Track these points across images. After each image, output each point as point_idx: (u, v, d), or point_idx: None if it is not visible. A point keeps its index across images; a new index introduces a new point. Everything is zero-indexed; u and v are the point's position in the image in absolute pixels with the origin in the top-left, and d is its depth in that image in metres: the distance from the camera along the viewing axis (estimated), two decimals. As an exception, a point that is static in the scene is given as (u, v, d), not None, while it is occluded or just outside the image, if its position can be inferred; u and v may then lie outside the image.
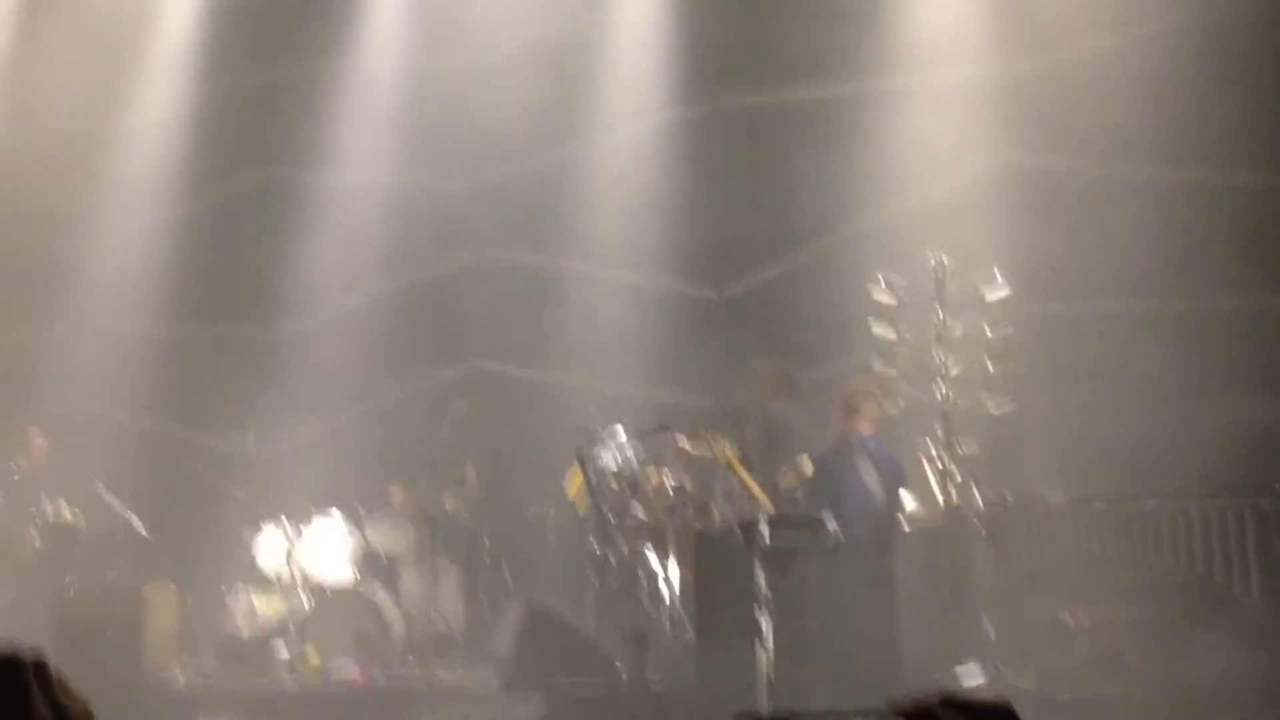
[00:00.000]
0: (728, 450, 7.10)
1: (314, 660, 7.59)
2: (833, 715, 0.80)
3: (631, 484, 7.49)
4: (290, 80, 10.14)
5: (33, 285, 10.03)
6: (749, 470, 7.22)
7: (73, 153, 10.13)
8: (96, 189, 10.27)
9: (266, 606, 8.23)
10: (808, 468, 6.76)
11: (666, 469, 7.62)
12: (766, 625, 5.39)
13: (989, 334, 7.07)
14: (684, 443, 7.28)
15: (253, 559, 8.39)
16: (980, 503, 6.65)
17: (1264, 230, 8.05)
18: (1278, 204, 8.10)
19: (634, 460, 7.65)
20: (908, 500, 6.85)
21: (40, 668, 0.96)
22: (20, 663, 0.94)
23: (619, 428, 7.90)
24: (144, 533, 8.70)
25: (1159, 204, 8.16)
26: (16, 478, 8.72)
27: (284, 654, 7.70)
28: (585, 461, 7.54)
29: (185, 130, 10.27)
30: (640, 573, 7.48)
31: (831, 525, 5.67)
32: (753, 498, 6.93)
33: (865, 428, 6.44)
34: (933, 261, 7.21)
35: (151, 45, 10.32)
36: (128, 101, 10.33)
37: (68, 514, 8.54)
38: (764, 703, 5.33)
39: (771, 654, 5.40)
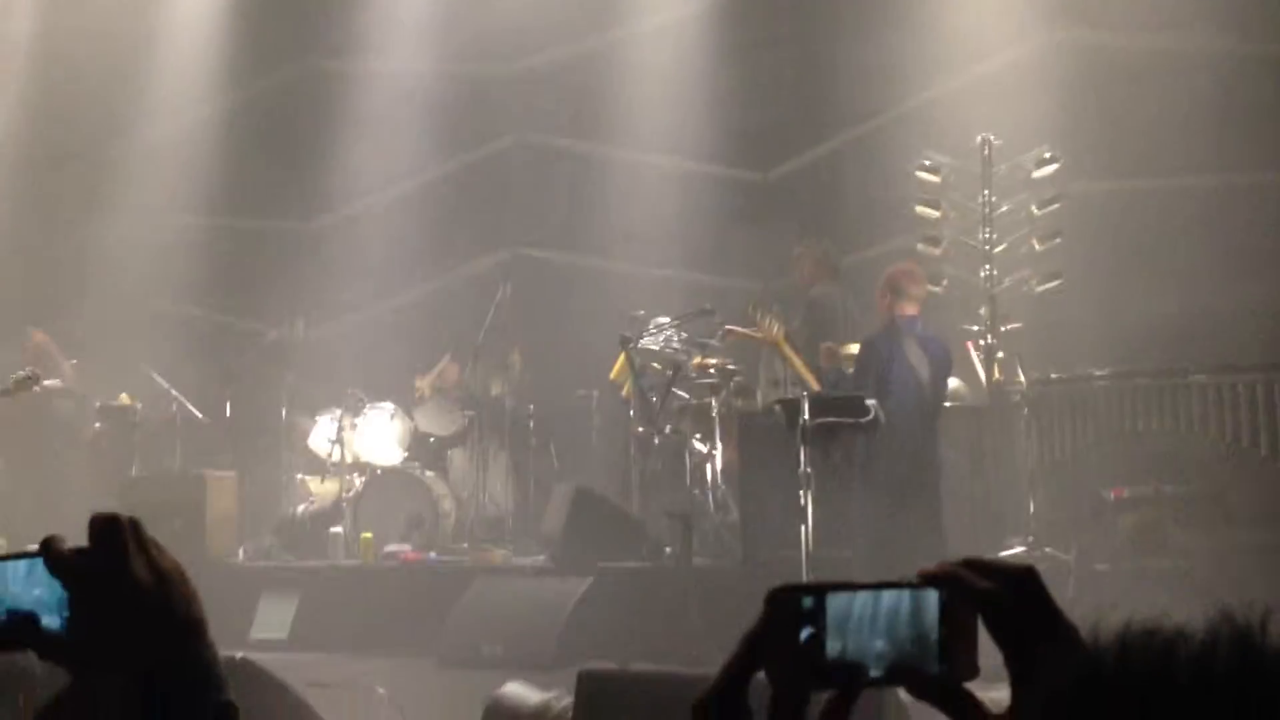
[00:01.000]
0: (776, 329, 7.11)
1: (367, 540, 7.82)
2: (860, 585, 0.83)
3: (675, 366, 7.57)
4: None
5: (87, 183, 10.14)
6: (795, 352, 7.26)
7: (118, 51, 10.15)
8: (143, 86, 10.31)
9: (321, 489, 8.46)
10: (853, 349, 6.78)
11: (709, 352, 7.69)
12: (809, 504, 5.46)
13: (1036, 212, 6.99)
14: (733, 327, 7.31)
15: (306, 443, 8.59)
16: (1024, 381, 6.65)
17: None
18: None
19: (677, 343, 7.72)
20: (952, 380, 6.86)
21: (136, 527, 1.03)
22: (119, 523, 1.01)
23: (663, 312, 7.96)
24: (201, 418, 8.93)
25: (1213, 78, 7.95)
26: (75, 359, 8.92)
27: (339, 534, 7.93)
28: (629, 344, 7.61)
29: (227, 25, 10.24)
30: (684, 454, 7.60)
31: (871, 403, 5.70)
32: (800, 378, 6.98)
33: (910, 310, 6.42)
34: (979, 140, 7.11)
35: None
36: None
37: (126, 399, 8.77)
38: (810, 578, 5.44)
39: (812, 532, 5.49)
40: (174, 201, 10.11)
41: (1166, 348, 6.92)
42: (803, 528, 5.51)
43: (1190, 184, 7.97)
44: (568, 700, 3.47)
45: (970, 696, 0.80)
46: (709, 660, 4.49)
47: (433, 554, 7.88)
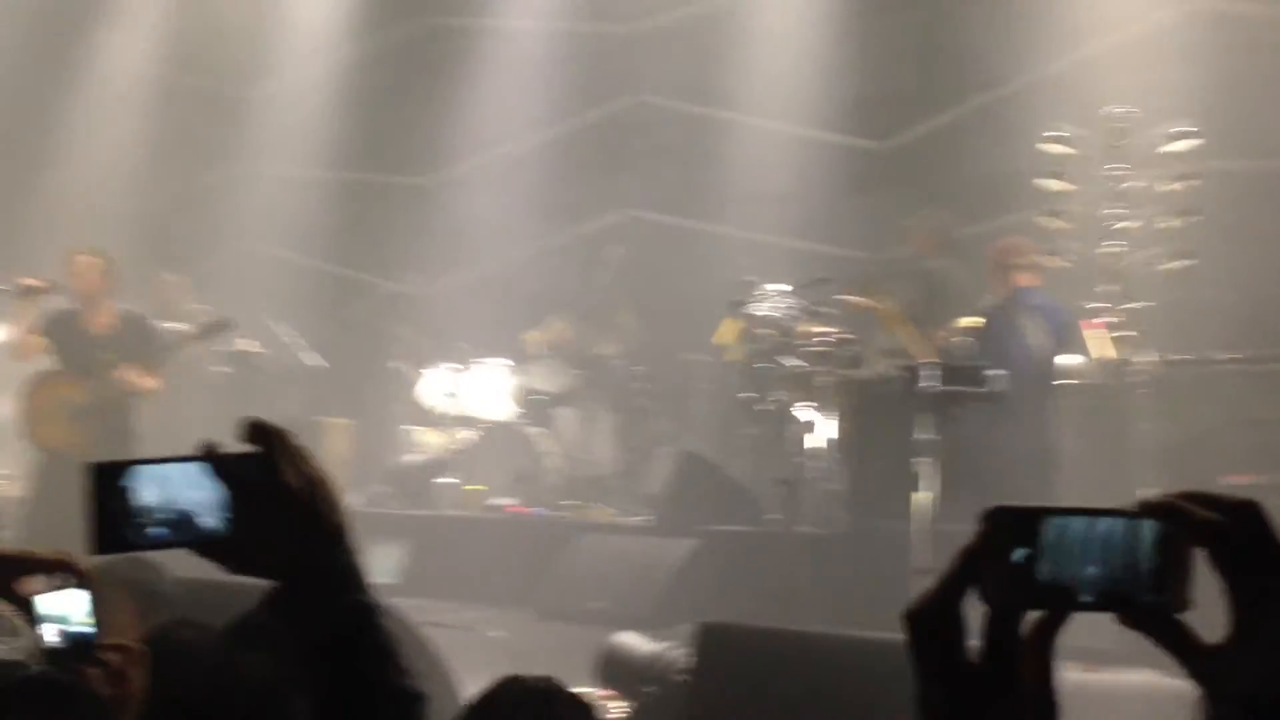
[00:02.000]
0: (890, 304, 7.05)
1: (475, 492, 7.96)
2: (1077, 510, 0.82)
3: (786, 334, 7.53)
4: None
5: (215, 129, 10.42)
6: (908, 326, 7.17)
7: (249, 1, 10.39)
8: (272, 37, 10.55)
9: (430, 440, 8.62)
10: (968, 322, 6.68)
11: (820, 320, 7.63)
12: (924, 472, 5.41)
13: (1169, 188, 6.77)
14: (850, 296, 7.25)
15: (417, 395, 8.76)
16: (1148, 361, 6.49)
17: None
18: None
19: (790, 311, 7.67)
20: (1073, 357, 6.72)
21: (286, 435, 1.07)
22: (271, 429, 1.05)
23: (776, 280, 7.92)
24: (317, 365, 9.14)
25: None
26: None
27: (447, 484, 8.08)
28: (741, 310, 7.59)
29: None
30: (789, 422, 7.57)
31: (994, 373, 5.62)
32: (912, 352, 6.90)
33: (1024, 280, 6.30)
34: (1111, 112, 6.91)
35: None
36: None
37: (246, 344, 9.02)
38: (918, 548, 5.40)
39: (930, 501, 5.44)
40: (297, 153, 10.33)
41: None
42: (913, 496, 5.45)
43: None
44: (679, 651, 3.51)
45: (1183, 625, 0.80)
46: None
47: (538, 509, 7.99)
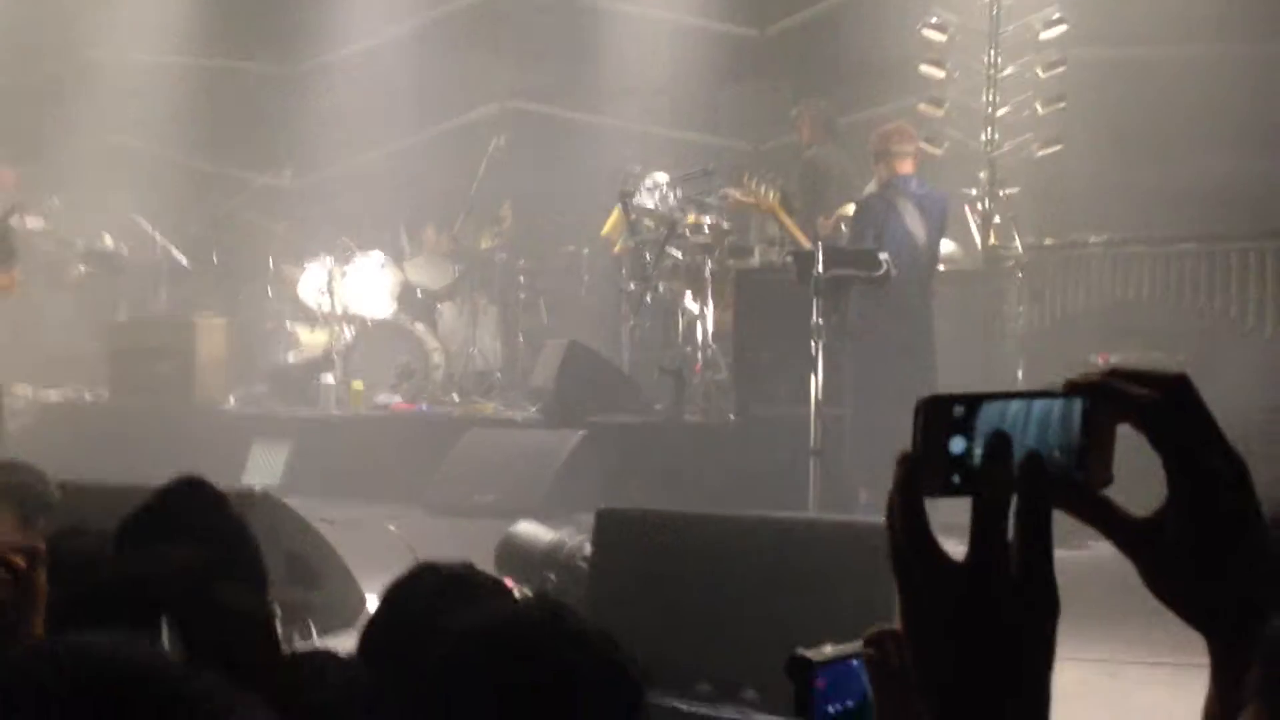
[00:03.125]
0: (771, 195, 7.09)
1: (358, 389, 7.85)
2: (1011, 394, 0.82)
3: (669, 224, 7.53)
4: None
5: (68, 13, 9.79)
6: (790, 215, 7.23)
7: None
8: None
9: (311, 338, 8.45)
10: (849, 209, 6.76)
11: (705, 211, 7.64)
12: (820, 356, 5.50)
13: (1041, 75, 6.90)
14: (731, 191, 7.26)
15: (295, 292, 8.54)
16: (1019, 246, 6.67)
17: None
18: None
19: (672, 202, 7.66)
20: (947, 243, 6.87)
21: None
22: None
23: (658, 169, 7.88)
24: (186, 264, 8.84)
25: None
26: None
27: (330, 383, 7.95)
28: (625, 201, 7.55)
29: None
30: (675, 312, 7.62)
31: (884, 256, 5.72)
32: (794, 241, 6.97)
33: (905, 168, 6.38)
34: (987, -1, 6.97)
35: None
36: None
37: (109, 242, 8.66)
38: (812, 433, 5.51)
39: (821, 385, 5.54)
40: (162, 40, 9.80)
41: (1163, 216, 6.93)
42: (813, 379, 5.54)
43: (1192, 53, 7.87)
44: (579, 538, 3.56)
45: (1109, 501, 0.80)
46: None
47: (423, 405, 7.93)
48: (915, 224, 6.18)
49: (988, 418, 0.78)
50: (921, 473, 0.77)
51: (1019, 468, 0.76)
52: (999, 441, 0.77)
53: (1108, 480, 0.80)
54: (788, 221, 7.12)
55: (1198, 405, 0.79)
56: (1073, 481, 0.79)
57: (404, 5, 9.69)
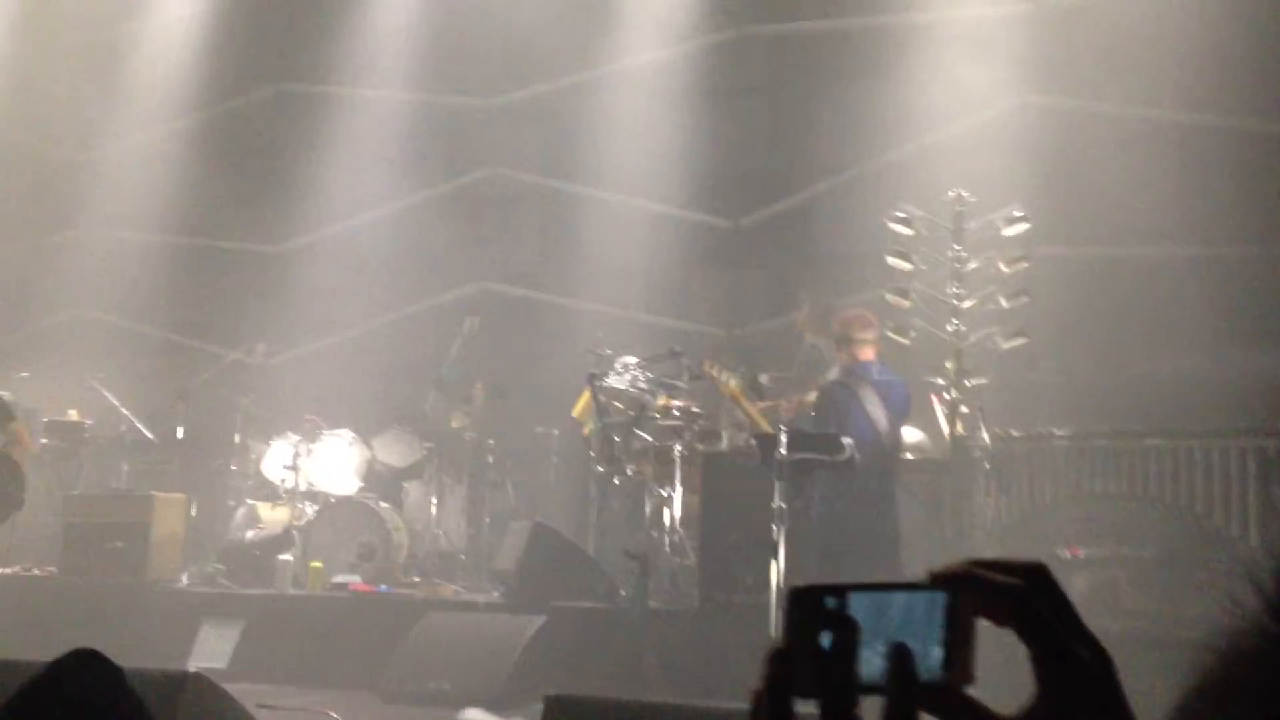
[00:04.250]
0: (732, 381, 7.13)
1: (317, 570, 7.67)
2: (877, 585, 0.80)
3: (639, 407, 7.53)
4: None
5: (47, 192, 10.00)
6: (758, 400, 7.26)
7: (87, 61, 10.07)
8: (111, 98, 10.22)
9: (271, 515, 8.30)
10: (810, 396, 6.80)
11: (675, 394, 7.67)
12: (782, 540, 5.42)
13: (1004, 270, 7.06)
14: (709, 368, 7.30)
15: (259, 468, 8.45)
16: (986, 437, 6.68)
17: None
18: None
19: (642, 384, 7.69)
20: (914, 432, 6.89)
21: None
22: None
23: (629, 353, 7.94)
24: (150, 438, 8.76)
25: (1179, 150, 8.11)
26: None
27: (288, 561, 7.77)
28: (595, 383, 7.58)
29: (201, 41, 10.21)
30: (643, 496, 7.54)
31: (848, 441, 5.70)
32: (756, 425, 6.98)
33: (866, 354, 6.45)
34: (952, 195, 7.19)
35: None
36: (144, 10, 10.25)
37: (74, 415, 8.59)
38: (773, 620, 5.39)
39: (783, 570, 5.44)
40: (140, 218, 9.99)
41: (1125, 411, 6.99)
42: (774, 564, 5.45)
43: (1153, 254, 8.11)
44: (526, 730, 3.39)
45: (975, 701, 0.77)
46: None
47: (383, 586, 7.74)
48: (877, 411, 6.20)
49: (856, 609, 0.74)
50: (791, 670, 0.73)
51: (889, 664, 0.72)
52: (845, 640, 0.73)
53: (971, 678, 0.76)
54: (748, 407, 7.14)
55: (1060, 594, 0.78)
56: (936, 681, 0.75)
57: (384, 190, 9.92)
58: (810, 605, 0.74)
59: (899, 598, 0.76)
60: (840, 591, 0.75)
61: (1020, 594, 0.76)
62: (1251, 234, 8.00)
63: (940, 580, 0.76)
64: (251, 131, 10.27)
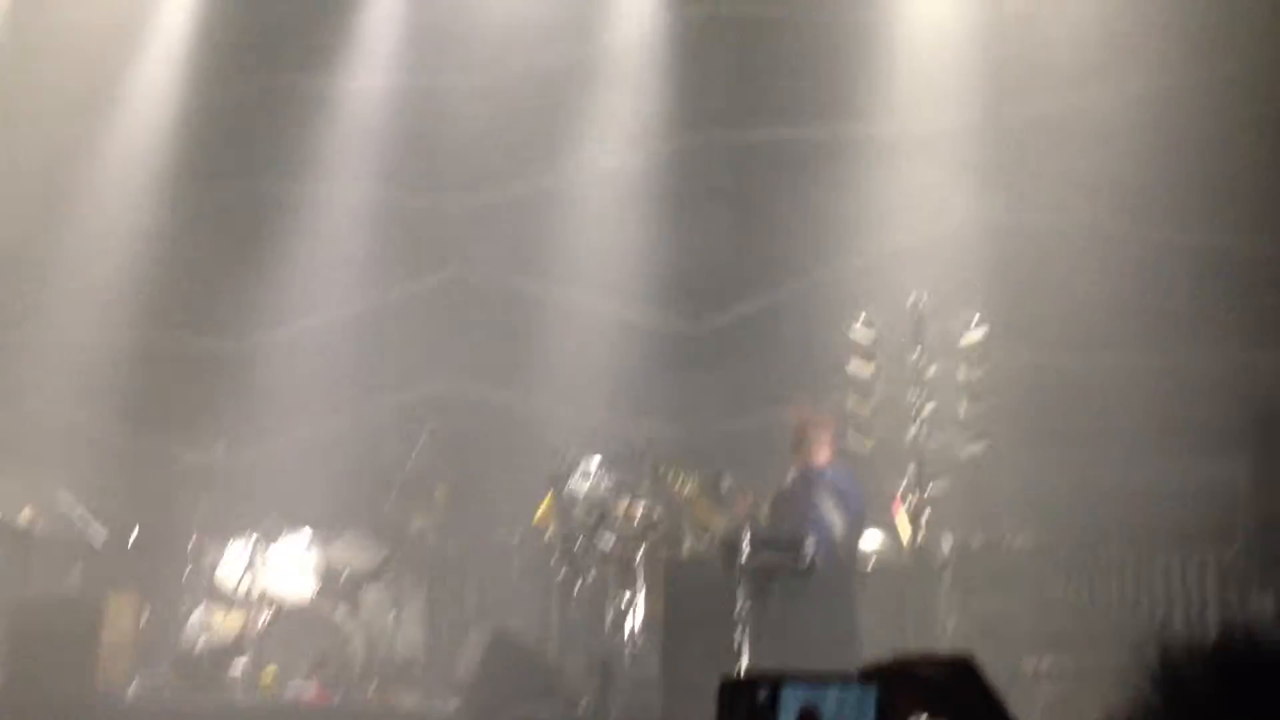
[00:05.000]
0: (687, 487, 7.12)
1: (270, 677, 7.50)
2: (809, 677, 0.82)
3: (601, 511, 7.48)
4: (279, 92, 10.16)
5: (3, 289, 9.95)
6: (719, 503, 7.23)
7: (51, 156, 10.11)
8: (73, 194, 10.24)
9: (225, 620, 8.13)
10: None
11: (637, 498, 7.62)
12: (746, 645, 5.36)
13: (963, 376, 7.12)
14: (661, 470, 7.28)
15: (213, 572, 8.29)
16: (946, 545, 6.67)
17: (1239, 290, 8.17)
18: (1254, 266, 8.22)
19: (605, 488, 7.64)
20: (874, 539, 6.87)
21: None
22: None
23: (591, 456, 7.90)
24: (103, 541, 8.60)
25: (1137, 259, 8.26)
26: None
27: (240, 670, 7.59)
28: (557, 485, 7.53)
29: (169, 138, 10.27)
30: (606, 601, 7.45)
31: (809, 545, 5.68)
32: (713, 529, 6.95)
33: (821, 457, 6.45)
34: (912, 301, 7.28)
35: (139, 53, 10.34)
36: (112, 107, 10.33)
37: (25, 516, 8.43)
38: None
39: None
40: (99, 312, 9.94)
41: (1089, 518, 7.00)
42: (738, 670, 5.37)
43: (1113, 360, 8.20)
44: None
45: None
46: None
47: (337, 695, 7.57)
48: (834, 515, 6.19)
49: (789, 703, 0.78)
50: None
51: None
52: None
53: None
54: (702, 511, 7.12)
55: (985, 685, 0.83)
56: None
57: (348, 288, 9.94)
58: (743, 697, 0.78)
59: (832, 691, 0.80)
60: (774, 684, 0.79)
61: (948, 685, 0.80)
62: (1210, 343, 8.11)
63: (871, 674, 0.82)
64: (218, 229, 10.28)
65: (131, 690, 7.67)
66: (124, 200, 10.27)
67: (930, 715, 0.82)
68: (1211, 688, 0.83)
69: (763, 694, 0.79)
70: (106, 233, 10.17)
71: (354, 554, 8.48)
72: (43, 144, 9.96)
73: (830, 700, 0.80)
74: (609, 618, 7.37)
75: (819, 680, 0.80)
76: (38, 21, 10.15)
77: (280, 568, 8.14)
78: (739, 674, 0.80)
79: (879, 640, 6.42)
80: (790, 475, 6.75)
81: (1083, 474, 7.57)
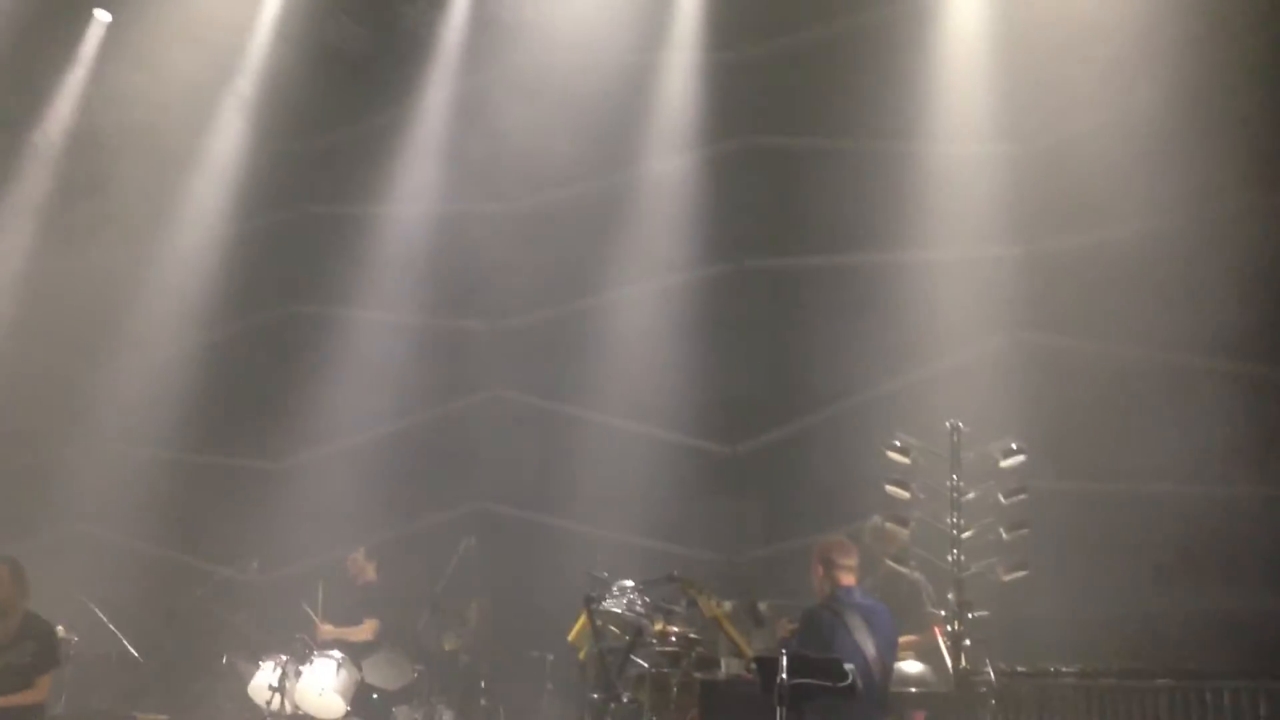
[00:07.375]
0: (715, 607, 7.05)
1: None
2: None
3: (635, 632, 7.39)
4: (323, 219, 10.46)
5: (53, 407, 10.12)
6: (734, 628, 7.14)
7: (102, 280, 10.37)
8: (122, 317, 10.47)
9: (255, 739, 8.03)
10: (792, 625, 6.69)
11: (672, 620, 7.54)
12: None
13: (1003, 500, 7.08)
14: (691, 591, 7.22)
15: (246, 690, 8.21)
16: (991, 672, 6.55)
17: (1277, 420, 8.14)
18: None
19: (639, 609, 7.57)
20: (916, 664, 6.75)
21: None
22: None
23: (626, 577, 7.85)
24: (137, 657, 8.56)
25: (1169, 387, 8.27)
26: None
27: (268, 790, 7.47)
28: (591, 606, 7.46)
29: (214, 263, 10.54)
30: (644, 724, 7.31)
31: (849, 666, 5.59)
32: (742, 652, 6.87)
33: (848, 580, 6.39)
34: (948, 426, 7.28)
35: (187, 181, 10.68)
36: (160, 234, 10.62)
37: (62, 630, 8.41)
38: None
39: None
40: (143, 431, 10.07)
41: (1133, 649, 6.88)
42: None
43: (1151, 490, 8.14)
44: None
45: None
46: None
47: (365, 819, 7.43)
48: (864, 637, 6.09)
49: None
50: None
51: None
52: None
53: None
54: (732, 632, 7.03)
55: None
56: None
57: (385, 409, 10.06)
58: None
59: None
60: None
61: None
62: (1253, 474, 8.05)
63: None
64: (260, 351, 10.48)
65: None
66: (168, 325, 10.49)
67: None
68: None
69: None
70: (151, 356, 10.37)
71: (386, 673, 8.39)
72: (91, 270, 10.23)
73: None
74: (642, 742, 7.23)
75: None
76: (93, 153, 10.51)
77: (311, 683, 8.06)
78: None
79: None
80: (818, 598, 6.68)
81: (1128, 603, 7.47)
